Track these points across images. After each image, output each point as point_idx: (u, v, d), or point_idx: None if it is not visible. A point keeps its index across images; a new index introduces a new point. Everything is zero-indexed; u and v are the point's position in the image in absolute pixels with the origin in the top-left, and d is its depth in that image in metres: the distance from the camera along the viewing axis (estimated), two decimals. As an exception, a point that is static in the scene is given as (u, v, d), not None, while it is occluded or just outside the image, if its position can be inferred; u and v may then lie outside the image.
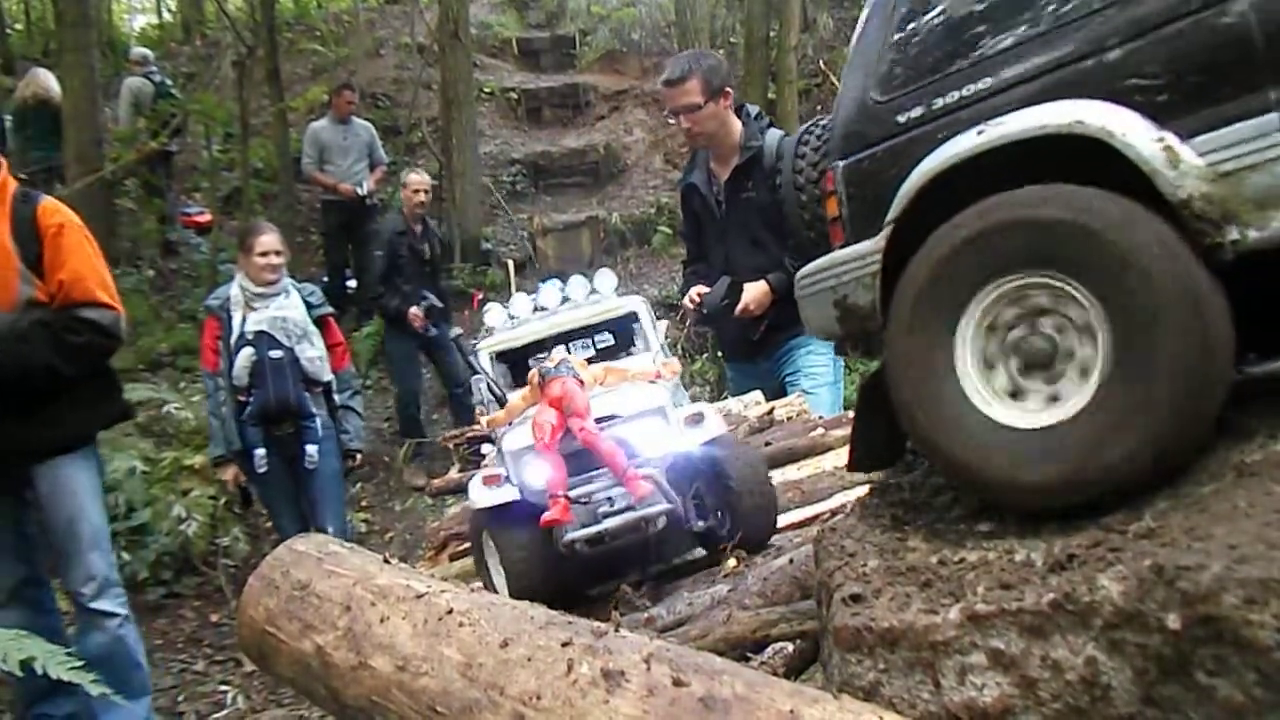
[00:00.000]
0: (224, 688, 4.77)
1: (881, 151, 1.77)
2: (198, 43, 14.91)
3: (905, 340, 1.62)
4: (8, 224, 3.38)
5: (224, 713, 4.55)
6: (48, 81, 8.60)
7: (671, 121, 4.23)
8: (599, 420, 2.59)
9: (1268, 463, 1.36)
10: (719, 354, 8.78)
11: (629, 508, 2.53)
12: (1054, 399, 1.50)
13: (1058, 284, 1.46)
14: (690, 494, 2.65)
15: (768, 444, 3.97)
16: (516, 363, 3.09)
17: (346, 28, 15.61)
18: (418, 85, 12.49)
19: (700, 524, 2.64)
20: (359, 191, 8.93)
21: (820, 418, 3.91)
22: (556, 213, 12.64)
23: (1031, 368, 1.52)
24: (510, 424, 2.77)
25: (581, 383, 2.67)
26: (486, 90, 13.94)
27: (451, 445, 5.22)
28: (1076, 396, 1.46)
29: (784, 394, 4.30)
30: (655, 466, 2.57)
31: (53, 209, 3.49)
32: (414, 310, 7.06)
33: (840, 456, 3.35)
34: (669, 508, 2.52)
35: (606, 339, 3.18)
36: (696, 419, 2.67)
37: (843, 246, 1.85)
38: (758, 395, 4.32)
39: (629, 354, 3.09)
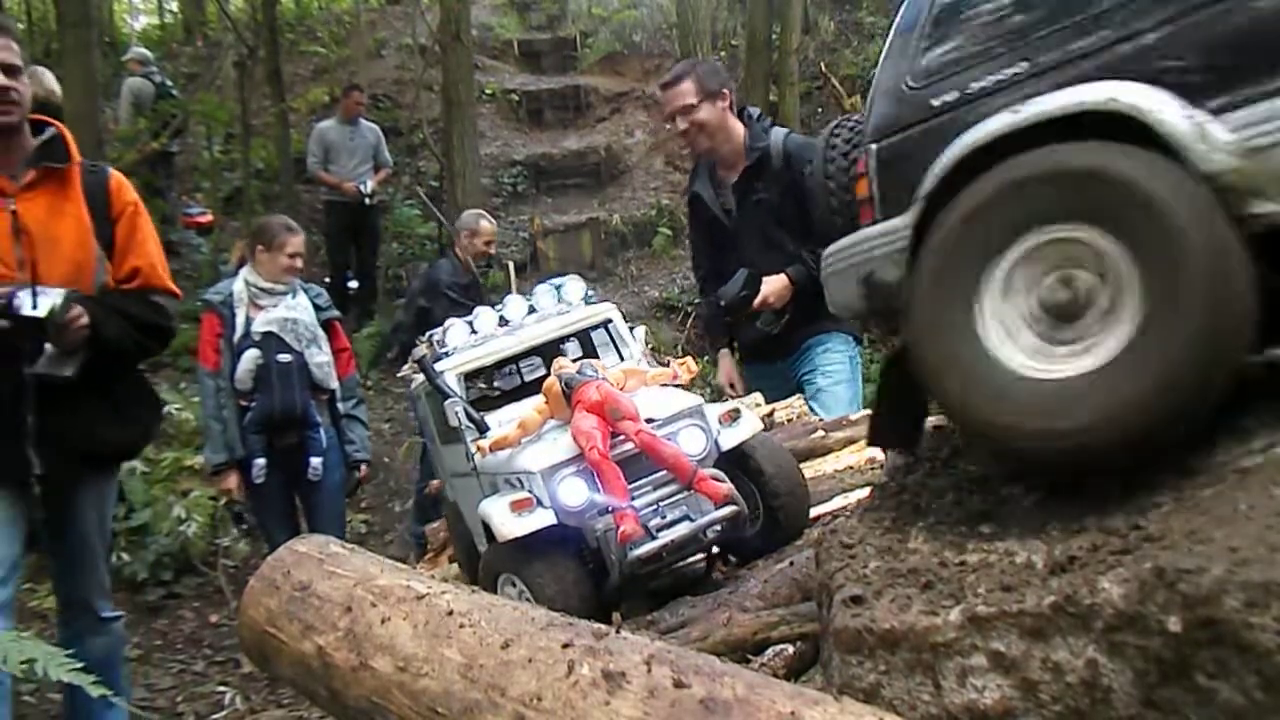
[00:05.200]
0: (223, 688, 4.76)
1: (915, 134, 1.82)
2: (199, 43, 14.92)
3: (930, 303, 1.64)
4: (83, 198, 3.05)
5: (223, 713, 4.53)
6: (50, 82, 8.58)
7: (669, 127, 4.22)
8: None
9: (1269, 465, 1.36)
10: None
11: (684, 517, 2.35)
12: (1081, 350, 1.51)
13: (1087, 235, 1.48)
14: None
15: (768, 446, 3.97)
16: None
17: (348, 28, 15.62)
18: (419, 86, 12.50)
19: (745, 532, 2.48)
20: (362, 190, 8.95)
21: (821, 419, 3.91)
22: (557, 214, 12.65)
23: (1059, 319, 1.53)
24: (522, 442, 2.52)
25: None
26: (488, 92, 13.94)
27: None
28: (1103, 348, 1.47)
29: (801, 393, 4.23)
30: (710, 468, 2.41)
31: (125, 185, 3.22)
32: None
33: (840, 459, 3.36)
34: (736, 511, 2.35)
35: (579, 349, 3.02)
36: (734, 416, 2.54)
37: (871, 225, 1.90)
38: (757, 397, 4.31)
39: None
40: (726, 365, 4.44)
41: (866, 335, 4.50)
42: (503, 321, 2.84)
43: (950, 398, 1.63)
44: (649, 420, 2.45)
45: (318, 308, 4.78)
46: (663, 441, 2.38)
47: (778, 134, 4.02)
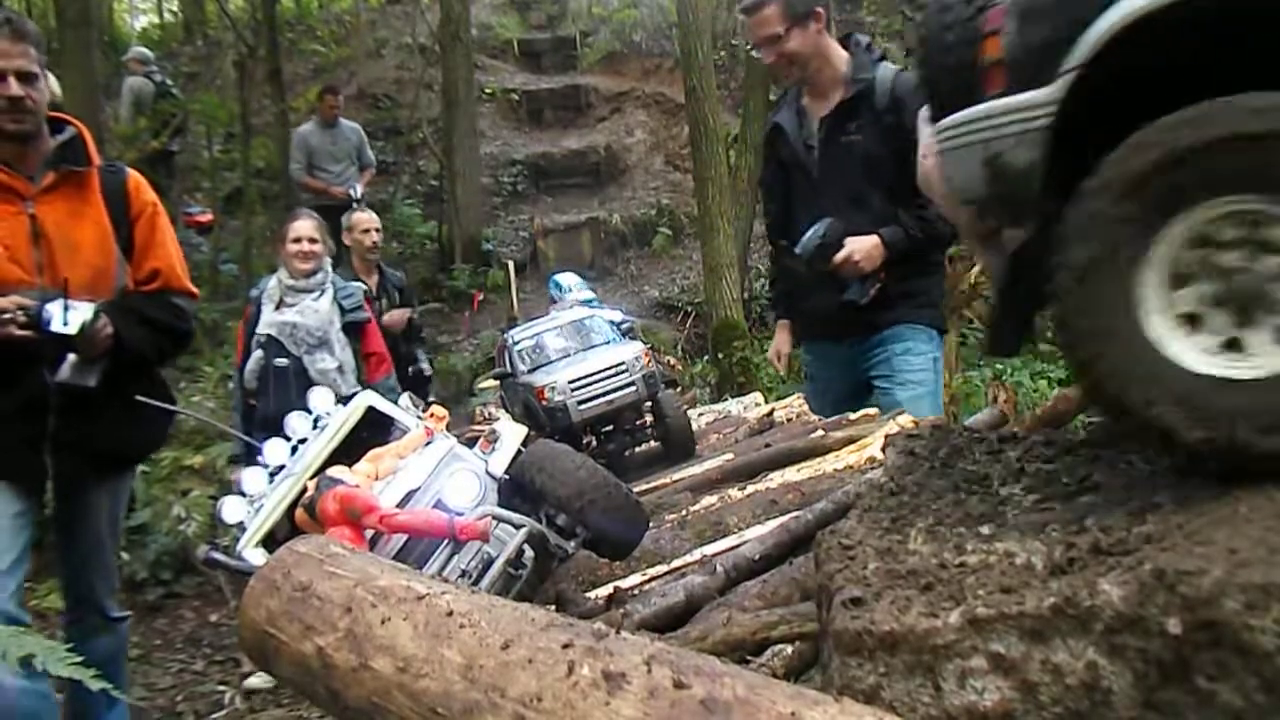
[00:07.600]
0: (222, 688, 4.76)
1: None
2: (199, 43, 14.94)
3: (1083, 275, 1.38)
4: (102, 200, 3.01)
5: (222, 713, 4.53)
6: (51, 81, 8.59)
7: (756, 56, 3.63)
8: (401, 504, 2.42)
9: (1269, 467, 1.35)
10: (719, 356, 8.78)
11: (487, 564, 2.34)
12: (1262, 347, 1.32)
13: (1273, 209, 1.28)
14: (544, 521, 2.45)
15: (767, 445, 3.98)
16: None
17: (348, 28, 15.65)
18: (419, 86, 12.52)
19: (571, 544, 2.44)
20: (351, 194, 8.90)
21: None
22: (557, 213, 12.68)
23: (1240, 309, 1.33)
24: None
25: (357, 487, 2.48)
26: (488, 91, 13.97)
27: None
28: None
29: (867, 391, 3.73)
30: (485, 506, 2.40)
31: (144, 185, 3.16)
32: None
33: (840, 459, 3.35)
34: (525, 532, 2.33)
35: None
36: (493, 440, 2.52)
37: (1001, 95, 1.55)
38: (757, 396, 4.30)
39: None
40: (782, 339, 3.95)
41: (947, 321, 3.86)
42: (294, 449, 2.85)
43: (1108, 391, 1.39)
44: (409, 495, 2.43)
45: (344, 310, 4.65)
46: (408, 518, 2.36)
47: (887, 69, 3.45)
